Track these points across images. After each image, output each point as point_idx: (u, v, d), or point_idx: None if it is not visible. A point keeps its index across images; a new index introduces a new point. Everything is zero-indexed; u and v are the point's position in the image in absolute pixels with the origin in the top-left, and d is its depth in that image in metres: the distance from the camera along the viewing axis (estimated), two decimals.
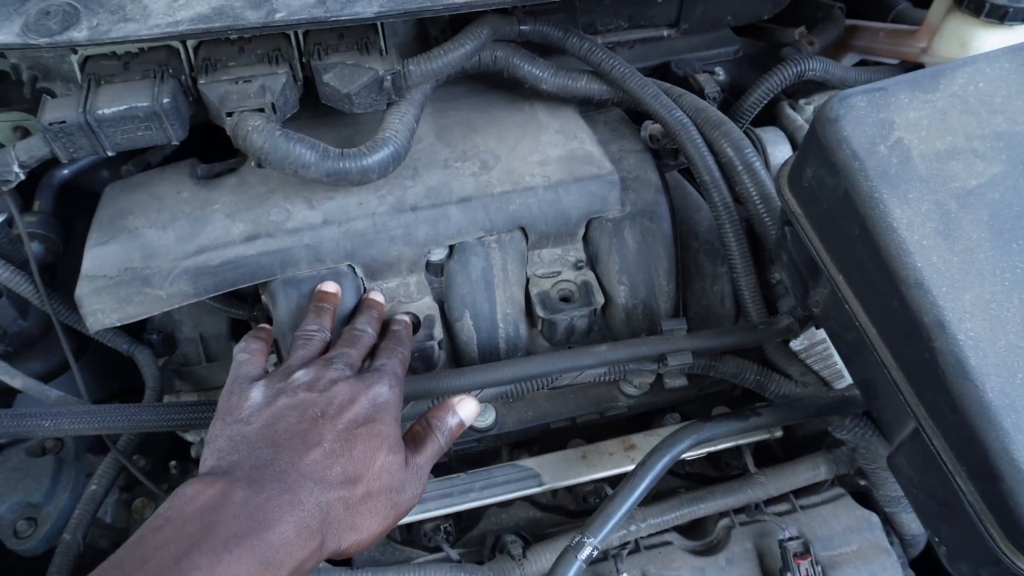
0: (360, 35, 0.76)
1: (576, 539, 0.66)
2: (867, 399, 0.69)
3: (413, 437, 0.64)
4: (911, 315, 0.54)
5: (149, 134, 0.73)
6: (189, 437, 0.92)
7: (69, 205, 0.99)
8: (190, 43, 0.74)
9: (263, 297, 0.79)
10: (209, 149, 0.88)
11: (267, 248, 0.75)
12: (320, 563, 0.55)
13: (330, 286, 0.74)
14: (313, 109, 0.81)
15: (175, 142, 0.74)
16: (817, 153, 0.61)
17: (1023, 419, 0.49)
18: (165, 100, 0.71)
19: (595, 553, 0.66)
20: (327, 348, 0.69)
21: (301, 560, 0.51)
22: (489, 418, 0.80)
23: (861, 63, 1.12)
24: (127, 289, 0.75)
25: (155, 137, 0.73)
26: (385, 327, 0.73)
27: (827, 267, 0.64)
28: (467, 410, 0.67)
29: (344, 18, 0.62)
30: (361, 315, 0.73)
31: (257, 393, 0.62)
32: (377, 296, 0.76)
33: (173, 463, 0.95)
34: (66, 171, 0.97)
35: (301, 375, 0.63)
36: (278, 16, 0.61)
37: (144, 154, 0.94)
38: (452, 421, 0.65)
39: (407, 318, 0.75)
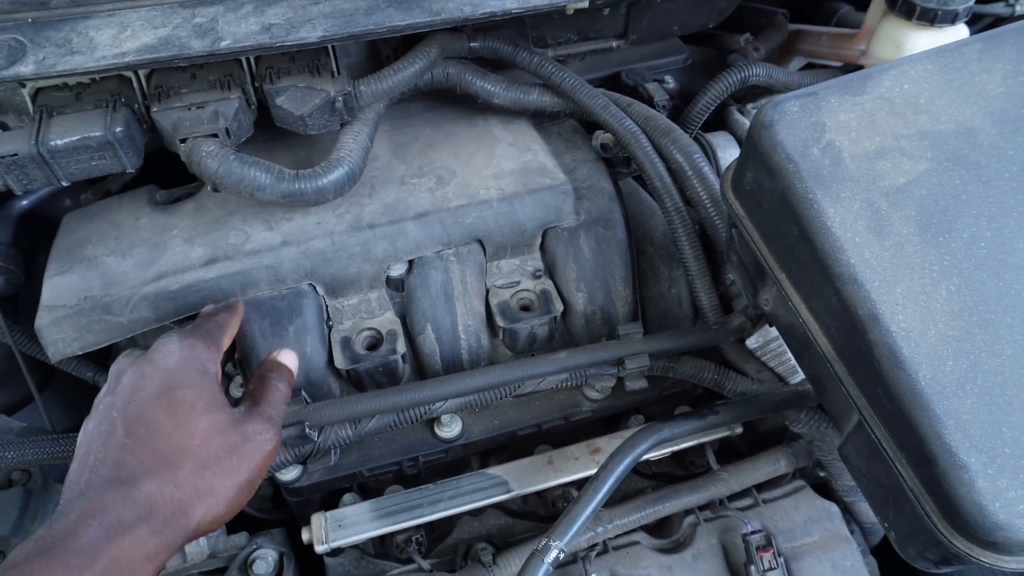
0: (311, 58, 0.77)
1: (543, 543, 0.67)
2: (818, 393, 0.71)
3: (252, 393, 0.64)
4: (847, 309, 0.56)
5: (104, 163, 0.74)
6: None
7: (30, 235, 0.98)
8: (142, 72, 0.75)
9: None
10: (170, 174, 0.89)
11: (227, 271, 0.76)
12: (184, 542, 0.54)
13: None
14: (271, 132, 0.82)
15: (130, 170, 0.75)
16: (755, 157, 0.63)
17: (954, 405, 0.52)
18: (118, 129, 0.72)
19: (562, 556, 0.67)
20: None
21: (133, 553, 0.49)
22: (455, 428, 0.81)
23: (808, 66, 1.15)
24: (87, 318, 0.75)
25: (110, 166, 0.74)
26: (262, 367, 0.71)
27: (771, 267, 0.66)
28: (287, 357, 0.69)
29: (289, 44, 0.64)
30: None
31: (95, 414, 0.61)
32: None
33: None
34: (25, 202, 0.97)
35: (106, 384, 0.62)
36: (223, 44, 0.63)
37: (104, 181, 0.94)
38: (283, 364, 0.68)
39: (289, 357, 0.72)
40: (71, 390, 0.97)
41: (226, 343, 0.67)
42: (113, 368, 0.63)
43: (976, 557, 0.51)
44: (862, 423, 0.59)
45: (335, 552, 0.81)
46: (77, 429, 0.99)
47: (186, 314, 0.76)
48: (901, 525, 0.59)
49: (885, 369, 0.54)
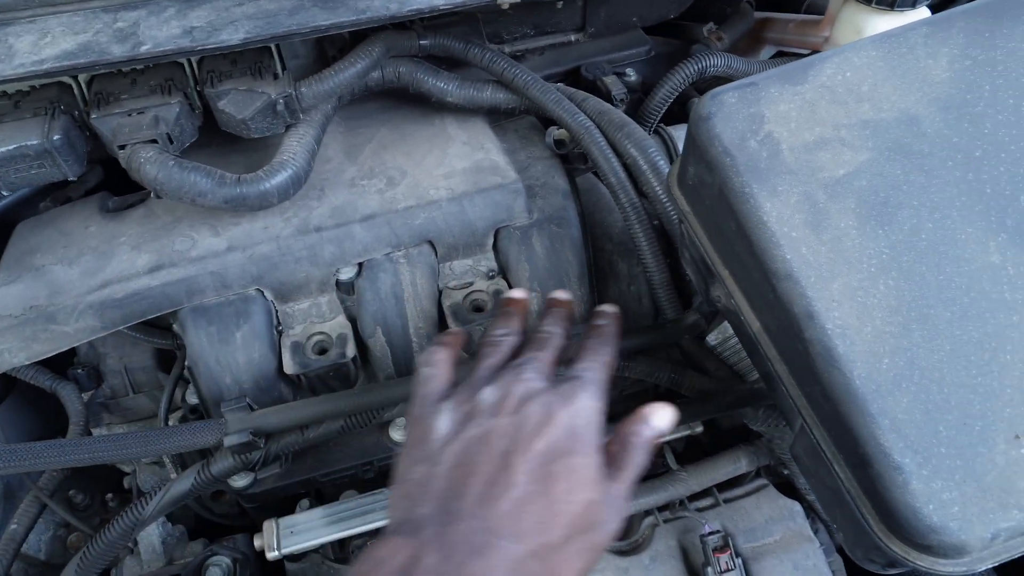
0: (254, 60, 0.76)
1: None
2: (770, 391, 0.69)
3: (610, 459, 0.54)
4: (784, 307, 0.55)
5: (44, 171, 0.73)
6: (125, 468, 0.92)
7: None
8: (82, 78, 0.74)
9: (174, 326, 0.79)
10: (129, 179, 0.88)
11: (171, 278, 0.75)
12: None
13: (518, 292, 0.67)
14: (224, 137, 0.81)
15: (71, 178, 0.74)
16: (695, 152, 0.61)
17: (889, 404, 0.50)
18: (56, 137, 0.71)
19: None
20: (518, 354, 0.60)
21: None
22: None
23: (778, 55, 1.13)
24: (32, 327, 0.74)
25: (50, 174, 0.73)
26: (590, 320, 0.64)
27: (714, 264, 0.64)
28: (662, 419, 0.57)
29: (210, 47, 0.62)
30: (549, 316, 0.64)
31: (444, 421, 0.54)
32: (563, 294, 0.67)
33: (110, 495, 0.95)
34: None
35: (488, 393, 0.54)
36: (143, 49, 0.61)
37: (64, 189, 0.93)
38: (648, 434, 0.56)
39: (615, 310, 0.64)
40: (29, 404, 0.96)
41: None
42: (508, 376, 0.55)
43: (913, 561, 0.49)
44: (804, 426, 0.58)
45: (294, 558, 0.80)
46: (34, 440, 0.99)
47: (132, 322, 0.75)
48: (847, 527, 0.58)
49: (820, 368, 0.52)
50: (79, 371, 0.89)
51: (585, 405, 0.53)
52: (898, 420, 0.50)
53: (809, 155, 0.58)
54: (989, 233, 0.55)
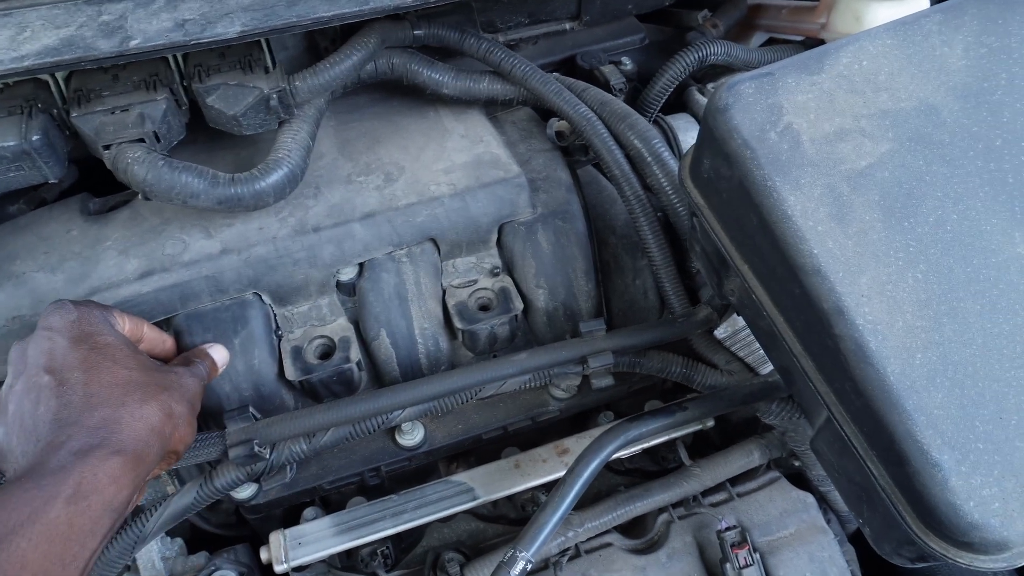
0: (243, 53, 0.73)
1: (509, 554, 0.64)
2: (787, 385, 0.69)
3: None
4: (811, 302, 0.54)
5: (22, 174, 0.69)
6: None
7: None
8: (59, 74, 0.70)
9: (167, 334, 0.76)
10: (110, 179, 0.84)
11: (164, 283, 0.72)
12: (147, 469, 0.57)
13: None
14: (209, 132, 0.77)
15: (52, 180, 0.70)
16: (711, 144, 0.60)
17: (924, 400, 0.49)
18: (35, 137, 0.67)
19: (529, 567, 0.64)
20: None
21: (97, 473, 0.52)
22: (417, 435, 0.78)
23: (770, 42, 1.12)
24: (15, 339, 0.70)
25: (29, 177, 0.69)
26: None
27: (732, 258, 0.63)
28: (218, 351, 0.70)
29: (205, 41, 0.59)
30: None
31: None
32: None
33: None
34: None
35: None
36: (133, 44, 0.58)
37: (38, 190, 0.89)
38: (208, 354, 0.69)
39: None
40: None
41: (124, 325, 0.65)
42: (11, 356, 0.62)
43: (952, 557, 0.49)
44: (831, 419, 0.57)
45: (299, 569, 0.78)
46: None
47: None
48: (875, 522, 0.57)
49: (852, 364, 0.51)
50: None
51: (64, 310, 0.62)
52: (934, 416, 0.49)
53: (830, 147, 0.57)
54: (1014, 223, 0.55)
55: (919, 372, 0.50)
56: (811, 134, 0.57)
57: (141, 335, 0.67)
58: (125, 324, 0.65)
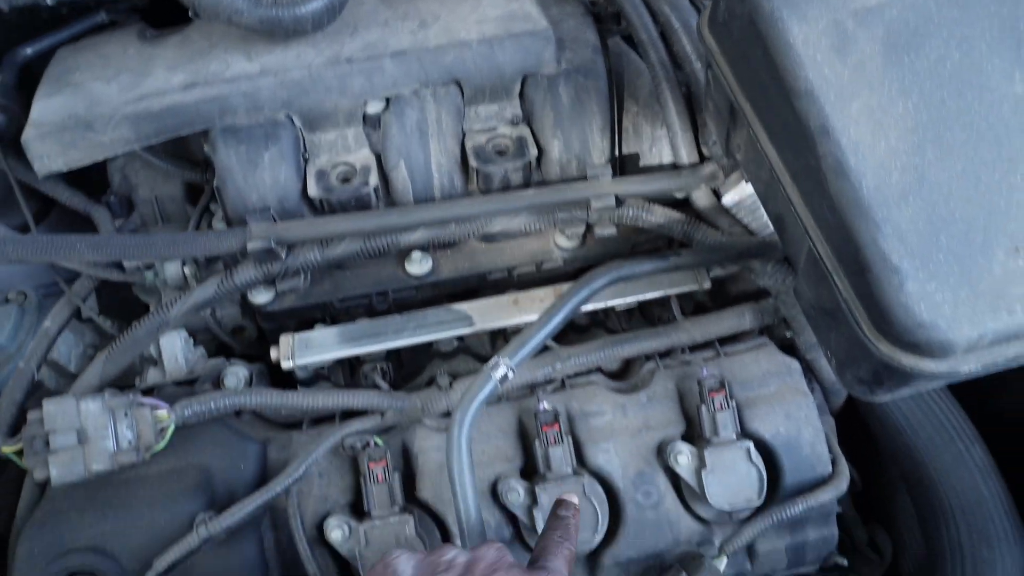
0: None
1: (493, 361, 0.69)
2: (780, 235, 0.71)
3: (540, 542, 0.59)
4: (801, 123, 0.56)
5: None
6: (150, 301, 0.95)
7: (33, 83, 1.00)
8: None
9: (205, 148, 0.82)
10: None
11: (205, 95, 0.77)
12: None
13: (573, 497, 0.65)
14: None
15: None
16: None
17: (893, 213, 0.51)
18: None
19: (510, 374, 0.69)
20: None
21: None
22: (426, 265, 0.82)
23: None
24: (71, 134, 0.77)
25: None
26: (553, 510, 0.64)
27: (736, 97, 0.65)
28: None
29: None
30: (558, 524, 0.62)
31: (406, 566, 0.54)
32: (573, 499, 0.65)
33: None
34: (29, 50, 0.99)
35: (456, 554, 0.55)
36: None
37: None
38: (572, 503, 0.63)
39: (576, 499, 0.64)
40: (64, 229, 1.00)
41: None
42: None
43: (899, 361, 0.51)
44: (811, 249, 0.59)
45: (305, 382, 0.84)
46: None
47: (165, 136, 0.78)
48: (839, 348, 0.59)
49: (830, 180, 0.53)
50: (112, 199, 0.92)
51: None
52: (901, 228, 0.51)
53: None
54: (1016, 65, 0.55)
55: (893, 189, 0.52)
56: None
57: None
58: None
